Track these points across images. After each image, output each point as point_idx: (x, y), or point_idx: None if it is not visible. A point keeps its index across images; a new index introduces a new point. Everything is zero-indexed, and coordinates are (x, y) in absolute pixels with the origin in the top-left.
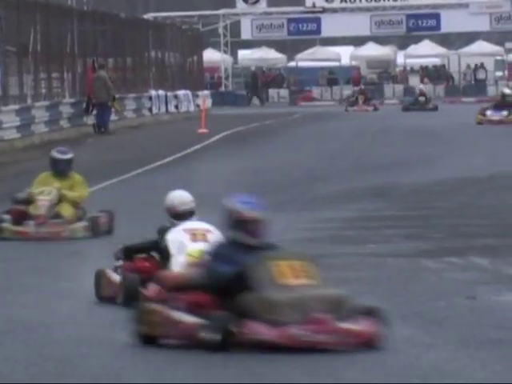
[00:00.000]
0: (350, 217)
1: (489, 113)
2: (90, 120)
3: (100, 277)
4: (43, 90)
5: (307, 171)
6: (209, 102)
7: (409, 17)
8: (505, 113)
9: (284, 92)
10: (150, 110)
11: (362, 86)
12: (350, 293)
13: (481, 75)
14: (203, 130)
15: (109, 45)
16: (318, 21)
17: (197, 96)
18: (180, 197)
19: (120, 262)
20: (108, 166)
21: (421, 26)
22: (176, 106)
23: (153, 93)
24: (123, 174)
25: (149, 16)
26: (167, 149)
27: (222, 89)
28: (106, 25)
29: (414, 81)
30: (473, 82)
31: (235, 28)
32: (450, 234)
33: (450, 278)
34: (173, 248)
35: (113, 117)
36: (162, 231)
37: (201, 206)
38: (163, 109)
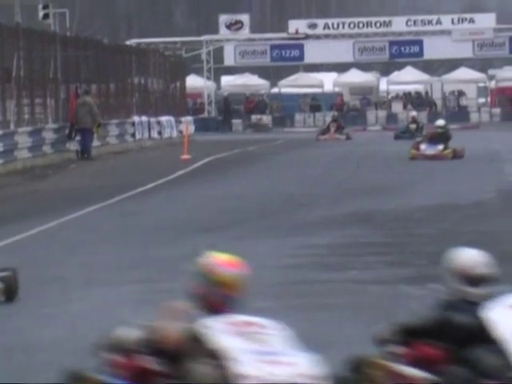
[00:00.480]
0: (332, 243)
1: (423, 147)
2: (73, 146)
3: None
4: (26, 116)
5: (290, 197)
6: (192, 128)
7: (392, 43)
8: (440, 147)
9: (267, 118)
10: (133, 135)
11: (335, 113)
12: (331, 320)
13: (464, 102)
14: (186, 156)
15: (92, 71)
16: (300, 47)
17: (180, 122)
18: (476, 257)
19: (395, 347)
20: (91, 191)
21: (404, 52)
22: (159, 132)
23: (136, 119)
24: (106, 200)
25: (132, 42)
26: (150, 175)
27: (205, 115)
28: (88, 51)
29: (397, 107)
30: (456, 109)
31: (218, 54)
32: (432, 260)
33: (432, 305)
34: (504, 332)
35: (96, 143)
36: (450, 305)
37: (186, 231)
38: (146, 135)
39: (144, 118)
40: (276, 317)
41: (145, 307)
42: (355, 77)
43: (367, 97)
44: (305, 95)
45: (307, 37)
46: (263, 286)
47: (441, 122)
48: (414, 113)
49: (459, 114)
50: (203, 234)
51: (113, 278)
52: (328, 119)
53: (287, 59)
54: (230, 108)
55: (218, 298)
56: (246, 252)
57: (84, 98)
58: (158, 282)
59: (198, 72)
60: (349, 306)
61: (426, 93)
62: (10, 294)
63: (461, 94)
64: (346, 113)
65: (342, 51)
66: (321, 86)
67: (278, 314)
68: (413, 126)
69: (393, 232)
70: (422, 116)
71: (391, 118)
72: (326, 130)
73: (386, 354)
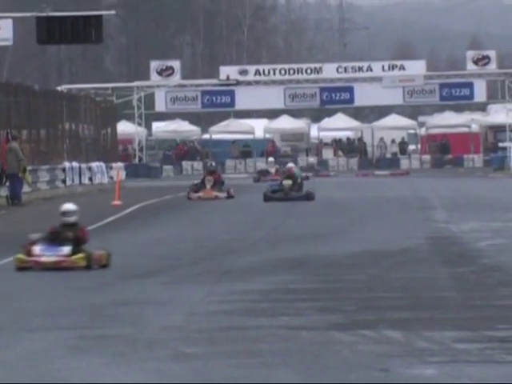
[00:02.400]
0: (264, 289)
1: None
2: (3, 191)
3: None
4: None
5: (222, 243)
6: (123, 174)
7: (322, 90)
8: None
9: (198, 164)
10: (64, 181)
11: (213, 163)
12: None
13: (394, 149)
14: (117, 202)
15: (23, 116)
16: (231, 93)
17: (111, 168)
18: None
19: None
20: (19, 237)
21: (334, 99)
22: (90, 178)
23: (67, 164)
24: None
25: (63, 88)
26: (81, 221)
27: (136, 161)
28: (19, 96)
29: (328, 153)
30: (388, 156)
31: (149, 100)
32: (362, 306)
33: (363, 351)
34: None
35: (26, 188)
36: None
37: (116, 277)
38: (77, 180)
39: (75, 164)
40: (207, 363)
41: (75, 354)
42: (286, 123)
43: (296, 145)
44: (234, 141)
45: (238, 83)
46: (194, 332)
47: (271, 159)
48: (290, 164)
49: (389, 160)
50: (134, 280)
51: (41, 325)
52: (259, 165)
53: (218, 105)
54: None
55: None
56: (177, 298)
57: (11, 143)
58: (88, 329)
59: (129, 118)
60: (280, 352)
61: (359, 139)
62: None
63: (392, 141)
64: (277, 159)
65: (273, 97)
66: (252, 132)
67: (209, 360)
68: (287, 183)
69: (323, 278)
70: (353, 162)
71: (322, 164)
72: (200, 186)
73: None
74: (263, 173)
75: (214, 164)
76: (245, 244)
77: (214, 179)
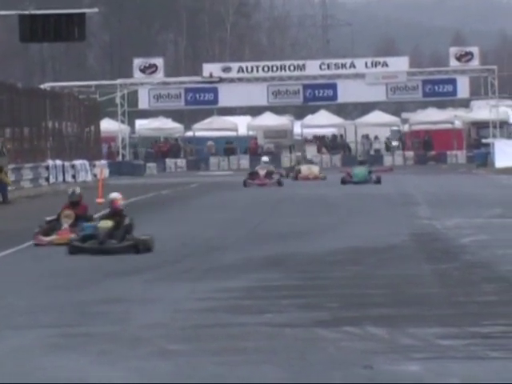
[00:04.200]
0: (247, 286)
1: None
2: None
3: None
4: None
5: (205, 241)
6: (106, 172)
7: (306, 87)
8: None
9: (181, 162)
10: (48, 179)
11: (77, 190)
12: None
13: (377, 145)
14: (101, 200)
15: (6, 115)
16: (215, 91)
17: (94, 166)
18: None
19: None
20: (3, 235)
21: (317, 96)
22: (73, 176)
23: (50, 163)
24: (19, 244)
25: (46, 86)
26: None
27: (120, 158)
28: (2, 95)
29: (311, 150)
30: (372, 152)
31: (133, 98)
32: (346, 303)
33: (347, 348)
34: None
35: (10, 187)
36: None
37: (100, 275)
38: (60, 178)
39: (58, 162)
40: (191, 360)
41: (59, 352)
42: (269, 120)
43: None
44: (208, 139)
45: (221, 80)
46: (178, 330)
47: (265, 159)
48: (113, 194)
49: (373, 157)
50: (118, 277)
51: (24, 323)
52: (243, 162)
53: (201, 103)
54: None
55: None
56: (161, 296)
57: None
58: (70, 327)
59: (113, 116)
60: (264, 349)
61: (341, 136)
62: None
63: (375, 138)
64: (260, 156)
65: (256, 95)
66: (235, 129)
67: (193, 357)
68: (105, 224)
69: (307, 275)
70: (336, 159)
71: (306, 161)
72: (55, 225)
73: None
74: (252, 175)
75: (78, 192)
76: (228, 242)
77: (74, 215)
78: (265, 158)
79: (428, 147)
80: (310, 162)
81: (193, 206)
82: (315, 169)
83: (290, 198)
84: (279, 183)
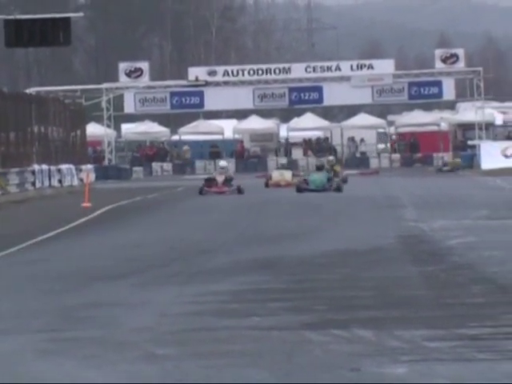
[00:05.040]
0: (235, 289)
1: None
2: None
3: None
4: None
5: (192, 244)
6: (92, 176)
7: (291, 90)
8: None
9: (167, 165)
10: (34, 184)
11: None
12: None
13: (363, 148)
14: (87, 204)
15: None
16: (200, 94)
17: (80, 170)
18: None
19: None
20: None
21: (303, 99)
22: (59, 181)
23: (36, 167)
24: (6, 249)
25: (31, 90)
26: (51, 223)
27: (106, 163)
28: None
29: (297, 154)
30: (358, 155)
31: (118, 102)
32: (334, 306)
33: (334, 351)
34: None
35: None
36: None
37: (87, 279)
38: (47, 183)
39: (44, 167)
40: (178, 364)
41: (46, 356)
42: (255, 123)
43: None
44: (185, 145)
45: (207, 84)
46: (165, 334)
47: (223, 163)
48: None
49: (359, 159)
50: (105, 281)
51: (12, 328)
52: (229, 166)
53: (187, 106)
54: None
55: None
56: (148, 300)
57: None
58: (58, 331)
59: (98, 120)
60: (252, 352)
61: (327, 139)
62: None
63: (362, 140)
64: (246, 159)
65: (242, 98)
66: (221, 132)
67: (180, 361)
68: None
69: (294, 278)
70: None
71: (292, 164)
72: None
73: None
74: (209, 182)
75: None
76: (215, 245)
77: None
78: (222, 163)
79: (414, 149)
80: (283, 166)
81: (180, 209)
82: (288, 174)
83: (276, 200)
84: (239, 191)
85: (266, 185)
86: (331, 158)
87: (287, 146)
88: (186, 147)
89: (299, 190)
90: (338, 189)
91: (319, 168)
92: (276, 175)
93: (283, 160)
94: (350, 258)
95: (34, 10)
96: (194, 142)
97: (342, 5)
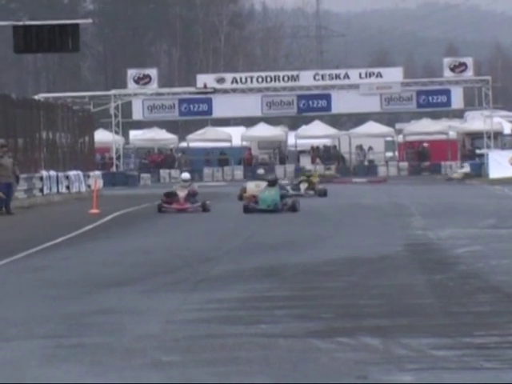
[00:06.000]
0: (241, 297)
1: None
2: None
3: None
4: None
5: (197, 251)
6: (100, 183)
7: (300, 98)
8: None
9: (175, 172)
10: (42, 190)
11: None
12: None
13: (371, 156)
14: (95, 211)
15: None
16: (209, 101)
17: (88, 176)
18: None
19: None
20: (5, 245)
21: (312, 106)
22: (67, 187)
23: (44, 173)
24: (14, 255)
25: (40, 96)
26: (59, 229)
27: (114, 169)
28: None
29: (305, 161)
30: (366, 163)
31: (127, 108)
32: (340, 314)
33: (341, 358)
34: None
35: None
36: None
37: (94, 285)
38: (54, 189)
39: (52, 173)
40: (184, 371)
41: (52, 362)
42: (263, 131)
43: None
44: (183, 152)
45: (215, 91)
46: (171, 341)
47: (186, 176)
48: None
49: (367, 167)
50: (111, 288)
51: (18, 334)
52: (237, 173)
53: (195, 113)
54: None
55: None
56: (154, 307)
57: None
58: (66, 338)
59: (107, 126)
60: (258, 360)
61: (335, 147)
62: None
63: (369, 148)
64: (254, 167)
65: (251, 105)
66: (229, 140)
67: (186, 369)
68: None
69: (301, 285)
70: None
71: (299, 172)
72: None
73: None
74: (169, 197)
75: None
76: (221, 252)
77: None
78: (185, 175)
79: (423, 158)
80: (261, 177)
81: (186, 216)
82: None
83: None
84: (204, 208)
85: (240, 198)
86: (308, 167)
87: (284, 154)
88: (179, 155)
89: (246, 209)
90: (293, 208)
91: (271, 184)
92: (251, 187)
93: (260, 170)
94: (357, 266)
95: (43, 16)
96: (202, 150)
97: (350, 12)
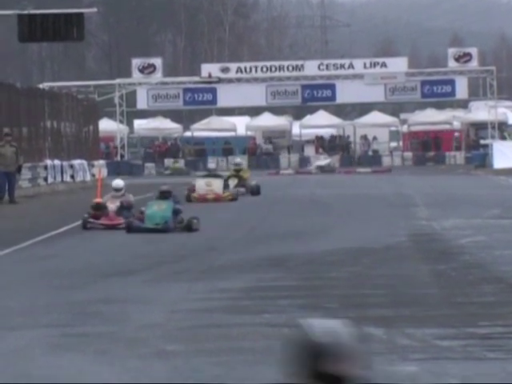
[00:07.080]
0: (245, 287)
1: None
2: None
3: None
4: None
5: (203, 241)
6: (104, 172)
7: (304, 87)
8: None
9: (180, 162)
10: (46, 179)
11: None
12: (244, 363)
13: (376, 146)
14: (99, 200)
15: (4, 114)
16: (213, 91)
17: (92, 166)
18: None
19: None
20: (3, 235)
21: (316, 96)
22: (72, 176)
23: (48, 162)
24: (18, 244)
25: (44, 85)
26: (63, 218)
27: (118, 158)
28: (1, 94)
29: (310, 151)
30: (370, 153)
31: (131, 97)
32: (344, 304)
33: None
34: None
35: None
36: None
37: (99, 275)
38: (59, 178)
39: (57, 162)
40: (188, 360)
41: (57, 351)
42: (268, 120)
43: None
44: (186, 142)
45: (220, 80)
46: (175, 330)
47: (118, 183)
48: None
49: (371, 157)
50: (116, 278)
51: (23, 323)
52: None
53: (200, 103)
54: None
55: None
56: (158, 296)
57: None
58: (71, 327)
59: (111, 115)
60: (262, 350)
61: (340, 136)
62: None
63: (374, 138)
64: (258, 156)
65: (255, 95)
66: (234, 129)
67: (190, 358)
68: None
69: (305, 275)
70: (335, 159)
71: (304, 161)
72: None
73: None
74: (96, 210)
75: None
76: (225, 242)
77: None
78: (117, 182)
79: (427, 148)
80: (212, 173)
81: (190, 206)
82: (217, 185)
83: (285, 197)
84: (189, 227)
85: (188, 198)
86: (238, 160)
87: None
88: (184, 145)
89: (129, 229)
90: (188, 227)
91: (164, 196)
92: (201, 185)
93: (212, 164)
94: (361, 256)
95: (48, 5)
96: (206, 139)
97: (355, 2)
